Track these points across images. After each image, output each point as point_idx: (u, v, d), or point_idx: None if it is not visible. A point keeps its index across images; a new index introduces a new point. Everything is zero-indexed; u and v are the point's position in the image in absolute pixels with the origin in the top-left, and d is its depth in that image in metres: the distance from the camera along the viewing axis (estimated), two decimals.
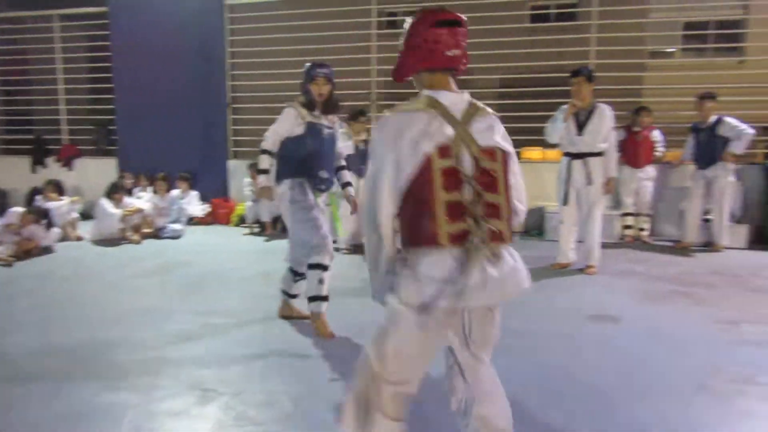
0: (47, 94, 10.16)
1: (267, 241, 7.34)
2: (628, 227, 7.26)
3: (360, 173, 5.87)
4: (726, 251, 6.55)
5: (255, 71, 9.08)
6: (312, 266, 3.72)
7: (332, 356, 3.38)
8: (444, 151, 1.71)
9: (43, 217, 6.56)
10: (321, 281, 3.69)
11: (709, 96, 6.58)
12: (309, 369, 3.23)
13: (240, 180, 8.71)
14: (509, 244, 1.79)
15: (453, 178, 1.71)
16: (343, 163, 4.10)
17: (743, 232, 6.83)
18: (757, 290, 4.94)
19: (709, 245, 6.73)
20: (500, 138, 1.83)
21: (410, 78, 1.94)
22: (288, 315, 4.06)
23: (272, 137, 3.78)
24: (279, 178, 3.80)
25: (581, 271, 5.54)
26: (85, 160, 9.79)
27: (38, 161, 9.86)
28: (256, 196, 7.35)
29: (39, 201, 7.46)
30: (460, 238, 1.68)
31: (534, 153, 8.29)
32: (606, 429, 2.57)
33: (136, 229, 7.22)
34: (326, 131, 3.79)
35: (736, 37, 11.11)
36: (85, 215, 7.88)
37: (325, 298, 3.74)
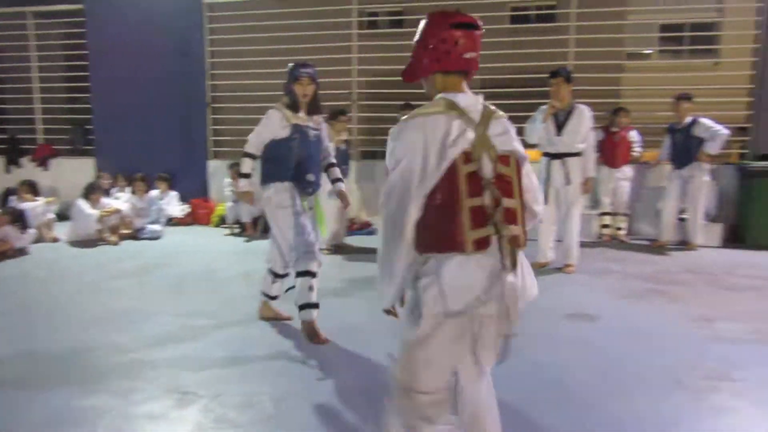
0: (22, 92, 9.96)
1: (247, 241, 7.29)
2: (605, 226, 7.34)
3: (344, 173, 5.82)
4: (701, 250, 6.67)
5: (235, 71, 9.00)
6: (300, 273, 3.68)
7: (313, 357, 3.37)
8: (468, 155, 1.68)
9: (18, 218, 6.44)
10: (311, 288, 3.66)
11: (686, 97, 6.69)
12: (289, 370, 3.21)
13: (220, 180, 8.63)
14: (523, 249, 1.76)
15: (476, 183, 1.68)
16: (333, 160, 4.06)
17: (718, 230, 6.96)
18: (731, 288, 5.04)
19: (684, 244, 6.86)
20: (517, 143, 1.81)
21: (421, 80, 1.89)
22: (268, 316, 4.03)
23: (256, 140, 3.72)
24: (265, 181, 3.75)
25: (560, 269, 5.61)
26: (61, 160, 9.62)
27: (12, 161, 9.67)
28: (236, 198, 7.30)
29: (13, 202, 7.34)
30: (482, 244, 1.66)
31: None
32: (582, 426, 2.60)
33: (114, 230, 7.12)
34: (312, 133, 3.75)
35: (711, 39, 11.34)
36: (62, 216, 7.74)
37: (315, 306, 3.69)
